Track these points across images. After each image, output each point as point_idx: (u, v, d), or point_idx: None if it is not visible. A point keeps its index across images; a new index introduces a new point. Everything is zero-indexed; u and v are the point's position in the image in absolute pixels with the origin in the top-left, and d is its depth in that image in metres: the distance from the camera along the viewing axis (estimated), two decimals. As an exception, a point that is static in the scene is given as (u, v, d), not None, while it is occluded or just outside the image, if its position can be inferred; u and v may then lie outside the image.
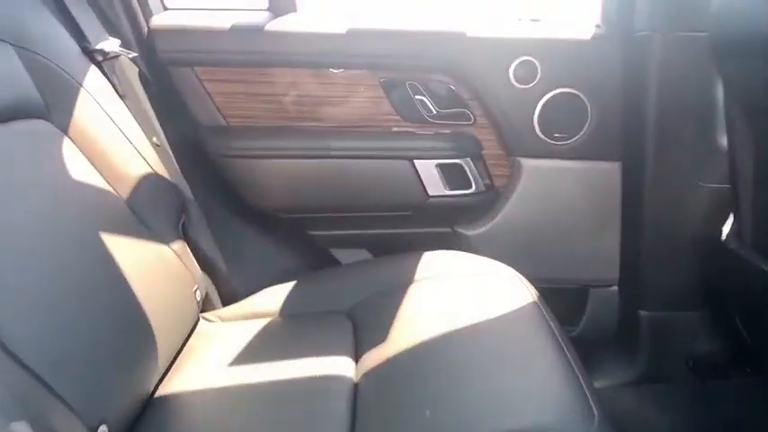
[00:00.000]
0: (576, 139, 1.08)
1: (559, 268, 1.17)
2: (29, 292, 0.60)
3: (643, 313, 1.19)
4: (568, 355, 0.70)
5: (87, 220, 0.74)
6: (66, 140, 0.78)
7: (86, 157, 0.80)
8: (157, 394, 0.75)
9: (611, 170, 1.11)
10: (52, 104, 0.78)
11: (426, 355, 0.73)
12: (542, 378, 0.66)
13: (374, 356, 0.77)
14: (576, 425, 0.59)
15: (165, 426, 0.71)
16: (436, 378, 0.68)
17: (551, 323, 0.77)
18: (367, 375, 0.74)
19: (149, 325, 0.73)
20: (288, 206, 1.14)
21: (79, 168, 0.78)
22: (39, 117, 0.75)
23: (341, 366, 0.76)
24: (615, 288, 1.19)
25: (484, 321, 0.77)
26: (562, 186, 1.12)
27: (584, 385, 0.64)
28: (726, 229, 1.00)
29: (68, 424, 0.55)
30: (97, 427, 0.59)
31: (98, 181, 0.80)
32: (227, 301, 1.00)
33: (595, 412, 0.60)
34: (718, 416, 1.13)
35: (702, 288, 1.11)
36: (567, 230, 1.14)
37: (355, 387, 0.73)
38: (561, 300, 1.18)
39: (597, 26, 1.07)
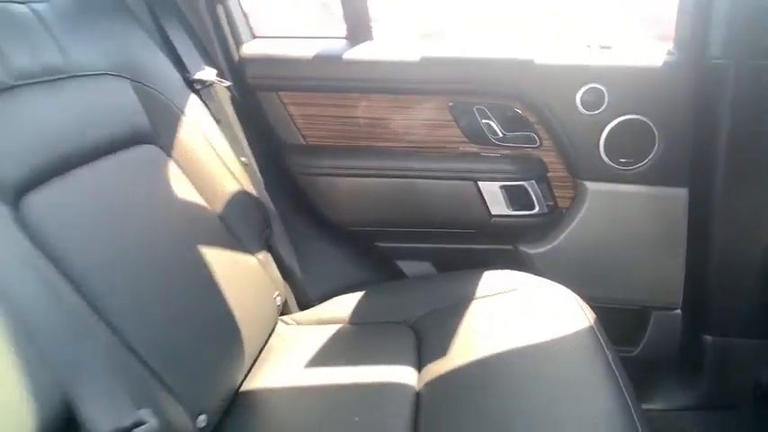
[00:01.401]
0: (642, 164, 1.10)
1: (621, 290, 1.18)
2: (143, 297, 0.71)
3: (708, 338, 1.18)
4: (620, 380, 0.73)
5: (187, 232, 0.86)
6: (171, 162, 0.90)
7: (187, 176, 0.91)
8: (242, 389, 0.86)
9: (677, 196, 1.11)
10: (159, 131, 0.90)
11: (485, 370, 0.79)
12: (591, 402, 0.70)
13: (436, 368, 0.83)
14: (603, 420, 0.63)
15: (249, 418, 0.81)
16: (493, 394, 0.74)
17: (605, 347, 0.80)
18: (429, 385, 0.81)
19: (237, 325, 0.84)
20: (359, 220, 1.23)
21: (181, 186, 0.89)
22: (149, 142, 0.87)
23: (405, 375, 0.83)
24: (678, 311, 1.19)
25: (539, 343, 0.81)
26: (627, 210, 1.14)
27: (633, 411, 0.68)
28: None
29: (176, 413, 0.66)
30: (197, 416, 0.69)
31: (196, 197, 0.91)
32: (302, 306, 1.10)
33: (639, 426, 0.64)
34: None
35: None
36: (630, 253, 1.16)
37: (417, 395, 0.80)
38: (622, 320, 1.20)
39: (669, 53, 1.08)
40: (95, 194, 0.73)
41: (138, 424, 0.55)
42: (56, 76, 0.74)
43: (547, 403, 0.70)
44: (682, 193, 1.11)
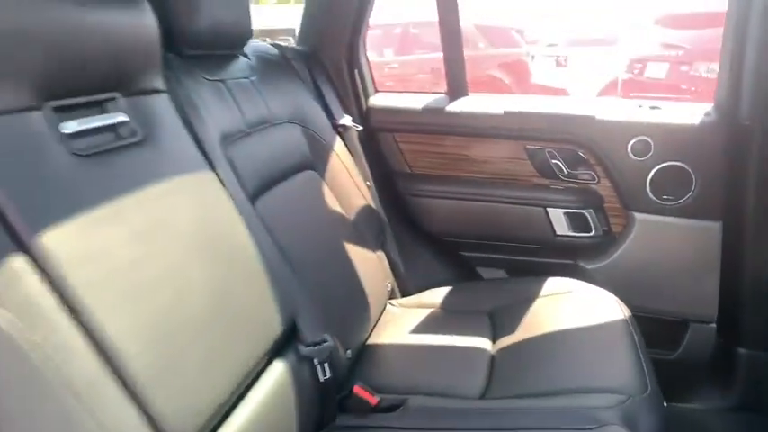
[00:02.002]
0: (681, 201, 1.36)
1: (663, 302, 1.44)
2: (320, 266, 1.08)
3: (741, 350, 1.40)
4: (639, 348, 1.02)
5: (333, 234, 1.24)
6: (324, 184, 1.29)
7: (333, 193, 1.30)
8: (367, 343, 1.21)
9: (712, 228, 1.36)
10: (316, 161, 1.29)
11: (541, 341, 1.10)
12: (610, 353, 1.00)
13: (505, 341, 1.15)
14: (631, 390, 0.92)
15: (372, 363, 1.15)
16: (544, 354, 1.05)
17: (633, 331, 1.09)
18: (500, 351, 1.13)
19: (367, 300, 1.20)
20: (450, 232, 1.57)
21: (330, 200, 1.28)
22: (310, 169, 1.27)
23: (483, 344, 1.16)
24: (713, 325, 1.43)
25: (582, 326, 1.11)
26: (668, 237, 1.40)
27: (644, 366, 0.96)
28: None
29: (335, 348, 1.00)
30: (346, 350, 1.05)
31: (338, 209, 1.29)
32: (404, 294, 1.45)
33: (649, 385, 0.93)
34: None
35: None
36: (670, 273, 1.41)
37: (492, 357, 1.12)
38: (663, 328, 1.45)
39: (707, 113, 1.35)
40: (290, 200, 1.12)
41: (323, 341, 0.92)
42: (265, 126, 1.15)
43: (579, 359, 1.01)
44: (716, 226, 1.36)
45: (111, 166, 0.70)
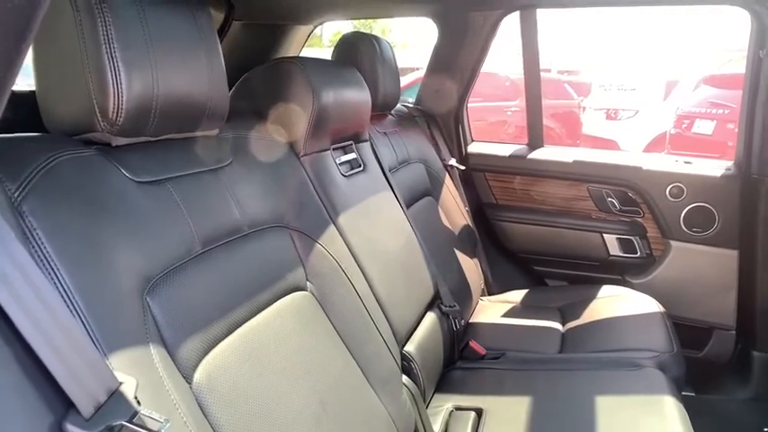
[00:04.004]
0: (707, 233, 1.80)
1: (692, 312, 1.85)
2: (442, 269, 1.58)
3: (756, 353, 1.80)
4: (667, 328, 1.46)
5: (448, 243, 1.73)
6: (439, 207, 1.80)
7: (444, 213, 1.81)
8: (470, 321, 1.68)
9: (731, 255, 1.79)
10: (433, 190, 1.80)
11: (597, 323, 1.55)
12: (648, 330, 1.44)
13: (572, 324, 1.60)
14: (664, 349, 1.35)
15: (479, 333, 1.62)
16: (602, 330, 1.50)
17: (666, 321, 1.52)
18: (568, 330, 1.58)
19: (471, 290, 1.68)
20: (525, 250, 2.05)
21: (444, 219, 1.78)
22: (429, 196, 1.78)
23: (556, 325, 1.62)
24: (733, 332, 1.83)
25: (628, 314, 1.56)
26: (697, 261, 1.83)
27: (671, 335, 1.40)
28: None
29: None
30: (462, 319, 1.53)
31: (449, 225, 1.80)
32: (490, 294, 1.92)
33: (675, 347, 1.36)
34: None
35: None
36: (699, 288, 1.84)
37: (563, 334, 1.58)
38: (693, 332, 1.87)
39: (728, 168, 1.80)
40: (418, 217, 1.63)
41: (453, 305, 1.41)
42: (406, 162, 1.68)
43: (623, 331, 1.46)
44: (734, 253, 1.78)
45: (354, 183, 1.24)
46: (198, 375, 0.66)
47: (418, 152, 1.80)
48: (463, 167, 1.99)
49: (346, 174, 1.21)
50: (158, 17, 0.69)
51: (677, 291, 1.86)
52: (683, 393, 1.45)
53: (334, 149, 1.21)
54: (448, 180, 1.91)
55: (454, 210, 1.87)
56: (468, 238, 1.88)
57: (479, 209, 2.08)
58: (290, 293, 0.86)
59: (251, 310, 0.78)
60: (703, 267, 1.83)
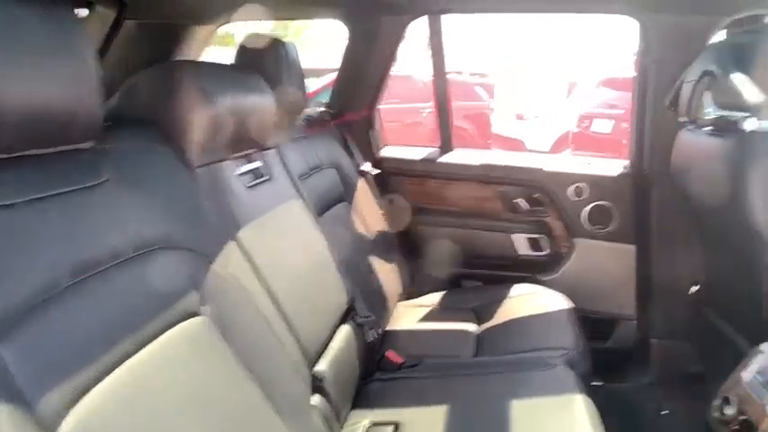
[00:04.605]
0: (606, 229, 1.91)
1: (597, 304, 1.94)
2: (359, 279, 1.54)
3: (654, 340, 1.92)
4: (575, 325, 1.51)
5: (364, 249, 1.70)
6: (354, 213, 1.76)
7: (360, 220, 1.77)
8: (388, 328, 1.66)
9: (629, 249, 1.90)
10: (348, 195, 1.76)
11: (510, 323, 1.58)
12: (557, 327, 1.49)
13: (487, 325, 1.63)
14: (571, 346, 1.40)
15: (397, 341, 1.60)
16: (515, 329, 1.54)
17: (574, 315, 1.58)
18: (483, 331, 1.60)
19: (388, 297, 1.66)
20: (442, 253, 2.06)
21: (359, 225, 1.75)
22: (343, 201, 1.74)
23: (471, 327, 1.63)
24: (634, 321, 1.95)
25: (539, 312, 1.60)
26: (599, 256, 1.93)
27: (579, 331, 1.46)
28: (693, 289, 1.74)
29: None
30: (379, 328, 1.50)
31: (365, 231, 1.76)
32: (409, 298, 1.91)
33: (582, 343, 1.42)
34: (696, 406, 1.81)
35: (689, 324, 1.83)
36: (602, 282, 1.94)
37: (478, 336, 1.59)
38: (600, 324, 1.96)
39: (624, 167, 1.91)
40: (332, 224, 1.59)
41: (369, 316, 1.37)
42: (317, 168, 1.63)
43: (534, 329, 1.50)
44: (632, 248, 1.90)
45: (258, 194, 1.17)
46: (64, 428, 0.57)
47: (330, 157, 1.75)
48: (377, 171, 1.97)
49: (249, 184, 1.14)
50: (3, 17, 0.59)
51: (583, 286, 1.95)
52: (592, 384, 1.51)
53: (233, 159, 1.13)
54: (363, 184, 1.88)
55: (370, 214, 1.84)
56: (385, 242, 1.86)
57: (395, 212, 2.07)
58: (182, 321, 0.78)
59: (136, 344, 0.70)
60: (605, 262, 1.93)
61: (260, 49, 1.47)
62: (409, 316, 1.75)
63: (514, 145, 7.23)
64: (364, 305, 1.42)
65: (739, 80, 1.25)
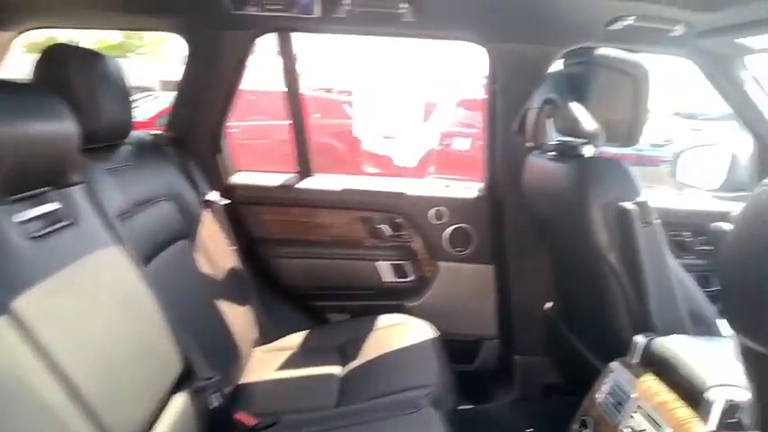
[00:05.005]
0: (467, 251, 1.91)
1: (462, 327, 1.94)
2: (199, 331, 1.34)
3: (516, 357, 1.96)
4: (440, 356, 1.46)
5: (207, 293, 1.50)
6: (196, 251, 1.55)
7: (204, 258, 1.57)
8: (242, 382, 1.47)
9: (487, 270, 1.93)
10: (189, 231, 1.56)
11: (376, 361, 1.49)
12: (423, 362, 1.43)
13: (352, 365, 1.51)
14: (436, 382, 1.34)
15: (250, 397, 1.42)
16: (380, 369, 1.44)
17: (436, 343, 1.53)
18: (348, 373, 1.49)
19: (239, 347, 1.47)
20: (302, 286, 1.92)
21: (202, 264, 1.54)
22: (184, 238, 1.53)
23: (335, 370, 1.51)
24: (497, 340, 1.97)
25: (404, 346, 1.53)
26: (461, 278, 1.93)
27: (442, 364, 1.40)
28: (547, 305, 1.80)
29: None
30: (227, 387, 1.31)
31: (210, 271, 1.56)
32: (267, 341, 1.73)
33: (447, 376, 1.36)
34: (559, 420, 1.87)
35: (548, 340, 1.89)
36: (465, 304, 1.94)
37: (342, 379, 1.47)
38: (465, 347, 1.95)
39: (480, 189, 1.94)
40: (172, 266, 1.36)
41: (211, 377, 1.18)
42: (147, 203, 1.39)
43: (405, 369, 1.42)
44: (490, 268, 1.92)
45: (54, 244, 0.93)
46: None
47: (166, 188, 1.52)
48: (227, 201, 1.77)
49: (36, 234, 0.90)
50: None
51: (448, 309, 1.93)
52: (460, 408, 1.47)
53: (13, 202, 0.89)
54: (208, 217, 1.67)
55: (217, 251, 1.64)
56: (236, 281, 1.66)
57: (251, 246, 1.88)
58: None
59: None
60: (467, 284, 1.94)
61: (66, 63, 1.22)
62: (267, 364, 1.58)
63: (383, 162, 7.36)
64: (207, 363, 1.22)
65: (576, 108, 1.29)
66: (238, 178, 1.92)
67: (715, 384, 1.01)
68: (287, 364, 1.56)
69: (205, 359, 1.22)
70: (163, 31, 1.83)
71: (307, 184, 1.91)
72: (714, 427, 0.98)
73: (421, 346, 1.56)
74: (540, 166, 1.51)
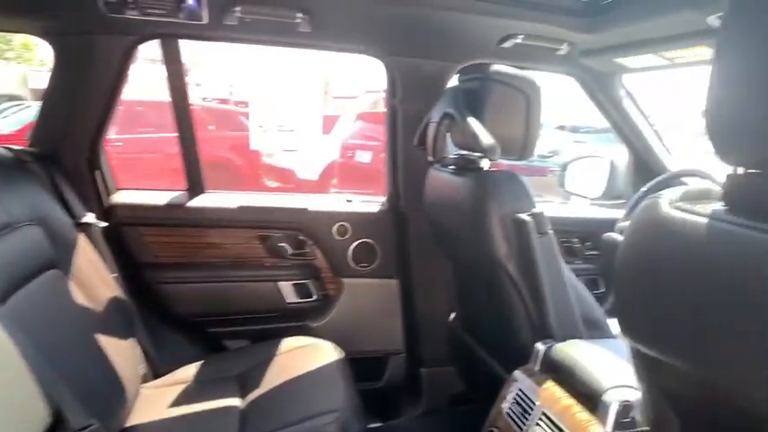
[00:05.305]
0: (371, 266, 1.88)
1: (368, 344, 1.90)
2: (72, 371, 1.17)
3: (423, 370, 1.95)
4: (346, 378, 1.41)
5: (84, 328, 1.32)
6: (69, 281, 1.37)
7: (80, 288, 1.39)
8: (129, 425, 1.31)
9: (393, 284, 1.91)
10: (60, 259, 1.37)
11: (278, 389, 1.40)
12: (329, 386, 1.36)
13: (253, 395, 1.41)
14: (343, 407, 1.28)
15: (140, 428, 1.27)
16: (283, 398, 1.35)
17: (342, 364, 1.48)
18: (248, 404, 1.38)
19: (123, 386, 1.31)
20: (196, 313, 1.77)
21: (76, 295, 1.36)
22: (54, 268, 1.34)
23: (234, 402, 1.39)
24: (404, 355, 1.95)
25: (309, 371, 1.45)
26: (366, 294, 1.89)
27: (348, 386, 1.35)
28: (452, 316, 1.82)
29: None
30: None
31: (86, 302, 1.38)
32: (158, 375, 1.57)
33: (353, 398, 1.31)
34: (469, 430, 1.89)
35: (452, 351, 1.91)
36: (371, 320, 1.90)
37: (243, 411, 1.36)
38: (372, 364, 1.91)
39: (383, 203, 1.92)
40: (38, 300, 1.18)
41: (89, 425, 1.03)
42: (5, 230, 1.20)
43: (310, 395, 1.34)
44: (395, 282, 1.91)
45: None
46: None
47: (30, 211, 1.32)
48: (105, 224, 1.59)
49: None
50: None
51: (354, 327, 1.89)
52: (370, 426, 1.42)
53: None
54: (84, 242, 1.48)
55: (94, 280, 1.45)
56: (118, 312, 1.49)
57: (135, 272, 1.71)
58: None
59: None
60: (372, 300, 1.90)
61: None
62: (157, 401, 1.42)
63: (286, 175, 7.20)
64: (83, 409, 1.06)
65: (473, 123, 1.30)
66: (120, 197, 1.73)
67: (610, 387, 1.06)
68: (180, 400, 1.42)
69: (81, 405, 1.06)
70: (26, 33, 1.61)
71: (198, 201, 1.77)
72: (610, 429, 1.02)
73: (326, 368, 1.49)
74: (441, 180, 1.52)
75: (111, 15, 1.39)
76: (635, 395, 1.03)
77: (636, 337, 0.72)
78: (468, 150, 1.42)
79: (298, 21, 1.47)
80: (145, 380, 1.54)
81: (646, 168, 1.92)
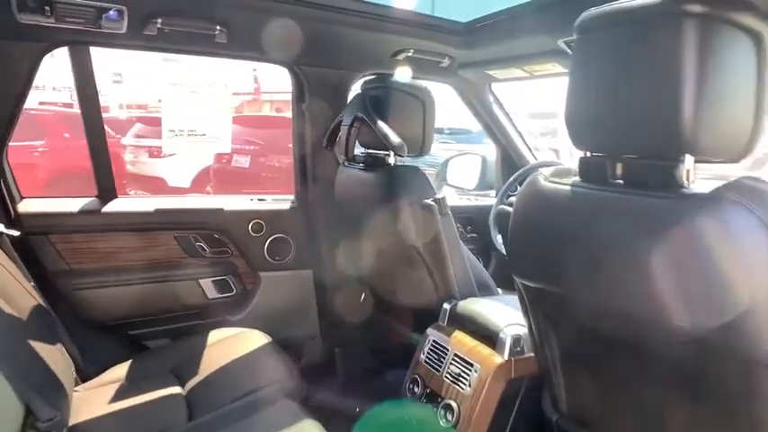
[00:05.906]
0: (287, 259, 2.04)
1: (289, 331, 2.05)
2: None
3: (337, 349, 2.15)
4: (281, 356, 1.57)
5: (12, 336, 1.32)
6: None
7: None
8: (74, 422, 1.33)
9: (307, 274, 2.08)
10: None
11: (216, 373, 1.51)
12: (266, 363, 1.52)
13: (192, 383, 1.50)
14: (282, 377, 1.44)
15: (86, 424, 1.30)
16: (221, 380, 1.47)
17: (272, 345, 1.63)
18: (190, 391, 1.47)
19: (63, 388, 1.34)
20: (116, 316, 1.79)
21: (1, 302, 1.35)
22: None
23: (176, 390, 1.48)
24: (319, 338, 2.14)
25: (242, 354, 1.58)
26: (283, 285, 2.05)
27: (284, 362, 1.51)
28: (362, 296, 2.05)
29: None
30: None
31: (10, 311, 1.37)
32: (86, 379, 1.58)
33: (292, 370, 1.48)
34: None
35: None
36: (289, 308, 2.06)
37: (186, 397, 1.45)
38: (294, 348, 2.07)
39: (292, 201, 2.09)
40: None
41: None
42: None
43: (247, 374, 1.48)
44: (309, 272, 2.09)
45: None
46: None
47: None
48: (16, 233, 1.56)
49: None
50: None
51: (272, 317, 2.02)
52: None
53: None
54: (-3, 253, 1.46)
55: (11, 289, 1.43)
56: (40, 320, 1.48)
57: (49, 280, 1.68)
58: None
59: None
60: (289, 290, 2.06)
61: None
62: (95, 401, 1.45)
63: (156, 184, 6.86)
64: (46, 403, 1.10)
65: (383, 125, 1.55)
66: (27, 206, 1.69)
67: (504, 326, 1.37)
68: (119, 396, 1.46)
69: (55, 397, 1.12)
70: None
71: (111, 207, 1.79)
72: (507, 357, 1.33)
73: (258, 351, 1.63)
74: (353, 176, 1.74)
75: (25, 21, 1.40)
76: (523, 330, 1.35)
77: (524, 276, 1.02)
78: (376, 149, 1.67)
79: (216, 33, 1.59)
80: (75, 383, 1.54)
81: (511, 162, 2.33)
